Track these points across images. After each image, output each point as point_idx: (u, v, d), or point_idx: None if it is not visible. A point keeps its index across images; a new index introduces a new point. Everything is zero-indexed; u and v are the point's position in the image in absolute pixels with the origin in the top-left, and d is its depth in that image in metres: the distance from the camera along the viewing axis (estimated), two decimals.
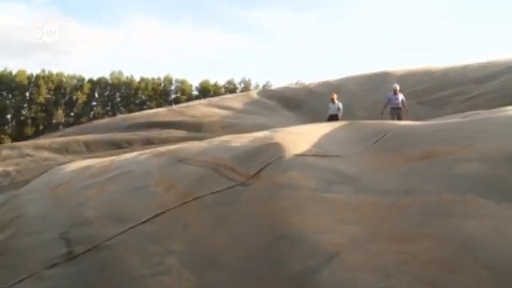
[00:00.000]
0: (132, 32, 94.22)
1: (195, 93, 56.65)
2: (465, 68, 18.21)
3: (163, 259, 3.69)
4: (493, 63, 17.73)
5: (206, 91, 55.16)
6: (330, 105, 16.20)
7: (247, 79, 59.29)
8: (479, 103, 14.60)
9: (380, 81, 19.62)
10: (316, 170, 4.52)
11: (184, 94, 55.28)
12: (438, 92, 16.11)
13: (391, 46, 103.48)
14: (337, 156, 5.19)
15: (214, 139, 7.90)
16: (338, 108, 15.87)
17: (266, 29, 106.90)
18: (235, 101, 22.89)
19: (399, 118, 13.42)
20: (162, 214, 4.46)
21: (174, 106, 25.13)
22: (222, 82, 58.93)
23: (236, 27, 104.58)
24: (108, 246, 4.21)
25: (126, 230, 4.33)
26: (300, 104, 20.29)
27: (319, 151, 5.32)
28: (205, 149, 6.31)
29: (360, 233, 3.11)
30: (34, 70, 55.64)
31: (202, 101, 25.29)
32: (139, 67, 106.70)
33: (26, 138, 32.50)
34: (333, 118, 15.55)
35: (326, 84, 21.85)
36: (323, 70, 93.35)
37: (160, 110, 23.57)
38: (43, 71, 54.61)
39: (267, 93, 23.51)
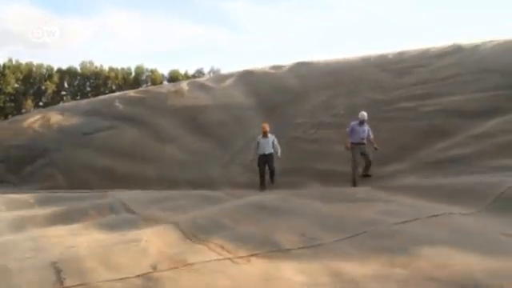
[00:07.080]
0: (107, 23, 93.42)
1: (166, 83, 56.45)
2: (427, 48, 18.73)
3: None
4: (454, 44, 18.23)
5: (175, 81, 54.96)
6: (261, 139, 11.37)
7: (216, 69, 59.32)
8: (437, 73, 15.09)
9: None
10: (301, 263, 4.88)
11: (155, 84, 54.97)
12: (400, 63, 16.54)
13: (364, 34, 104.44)
14: (322, 245, 5.54)
15: None
16: (273, 143, 11.31)
17: (237, 20, 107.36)
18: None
19: (364, 156, 10.96)
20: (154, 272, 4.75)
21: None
22: (192, 71, 58.96)
23: (209, 18, 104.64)
24: None
25: (119, 279, 4.54)
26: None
27: (305, 241, 5.69)
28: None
29: None
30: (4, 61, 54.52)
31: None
32: (114, 57, 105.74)
33: None
34: (267, 159, 11.25)
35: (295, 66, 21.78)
36: (294, 61, 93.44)
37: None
38: (10, 60, 53.60)
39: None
